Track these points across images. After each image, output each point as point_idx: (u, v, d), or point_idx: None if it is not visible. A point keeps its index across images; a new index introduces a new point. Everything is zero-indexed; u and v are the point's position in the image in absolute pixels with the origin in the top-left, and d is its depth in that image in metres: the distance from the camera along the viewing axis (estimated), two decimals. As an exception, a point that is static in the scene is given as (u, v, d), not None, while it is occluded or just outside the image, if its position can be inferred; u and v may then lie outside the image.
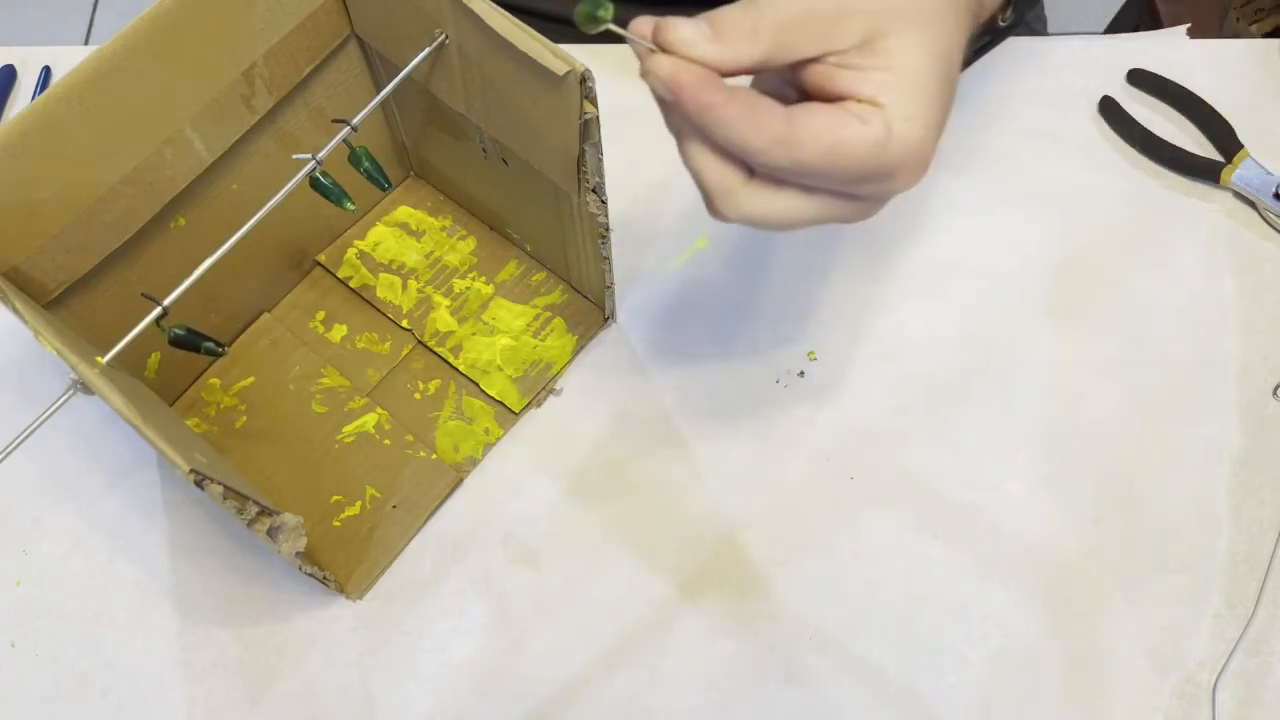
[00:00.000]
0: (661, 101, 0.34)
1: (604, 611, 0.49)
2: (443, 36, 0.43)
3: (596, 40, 0.66)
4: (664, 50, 0.32)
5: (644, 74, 0.32)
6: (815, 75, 0.33)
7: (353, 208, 0.43)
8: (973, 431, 0.52)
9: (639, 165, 0.59)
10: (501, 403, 0.53)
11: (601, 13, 0.33)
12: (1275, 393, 0.53)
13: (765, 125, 0.32)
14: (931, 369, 0.54)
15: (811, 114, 0.32)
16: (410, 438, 0.52)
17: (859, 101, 0.32)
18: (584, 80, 0.38)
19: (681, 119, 0.33)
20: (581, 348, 0.55)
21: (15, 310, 0.38)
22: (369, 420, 0.53)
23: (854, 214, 0.35)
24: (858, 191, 0.34)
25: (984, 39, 0.39)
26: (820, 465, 0.52)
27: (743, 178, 0.34)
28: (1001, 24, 0.41)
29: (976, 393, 0.53)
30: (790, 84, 0.35)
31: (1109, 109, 0.60)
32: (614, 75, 0.62)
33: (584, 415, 0.53)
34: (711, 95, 0.31)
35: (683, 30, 0.32)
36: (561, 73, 0.38)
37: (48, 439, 0.52)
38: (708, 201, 0.35)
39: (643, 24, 0.33)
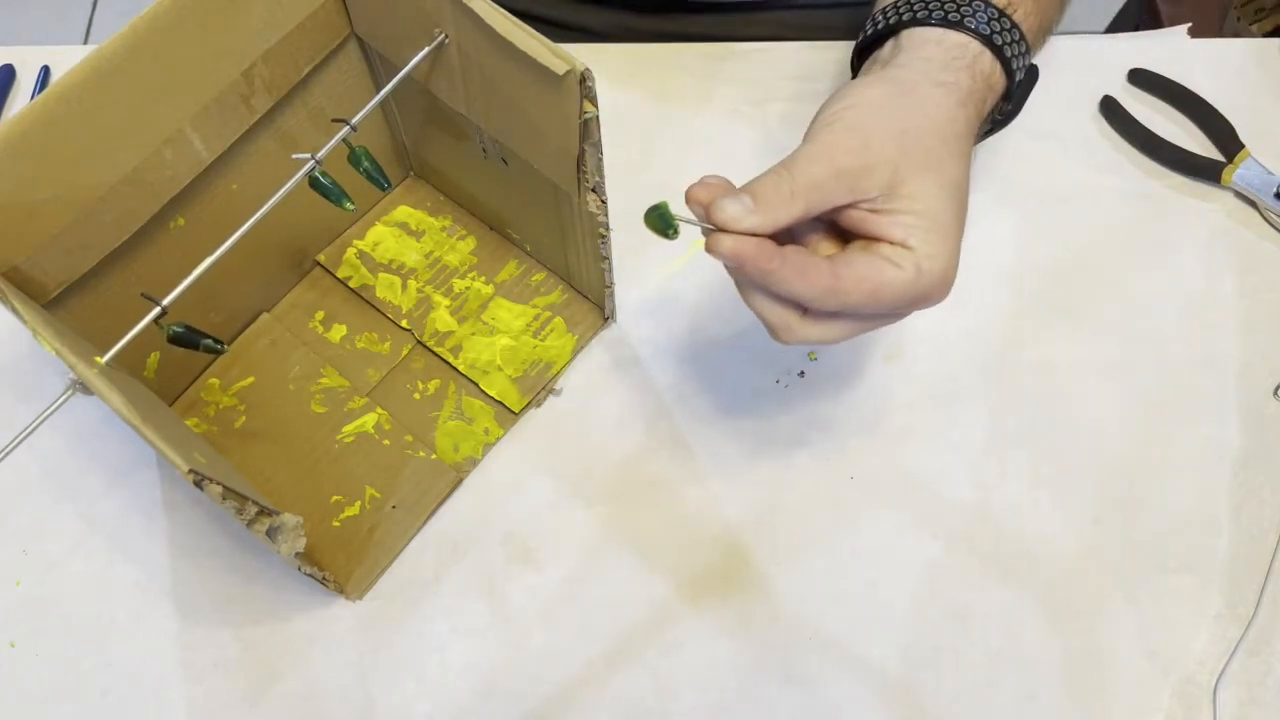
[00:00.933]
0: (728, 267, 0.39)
1: (604, 611, 0.49)
2: (442, 36, 0.43)
3: (596, 40, 0.66)
4: (719, 229, 0.37)
5: (709, 250, 0.37)
6: (850, 219, 0.39)
7: (352, 208, 0.43)
8: (973, 431, 0.52)
9: (639, 165, 0.59)
10: (501, 403, 0.53)
11: (671, 233, 0.39)
12: (1275, 393, 0.53)
13: (815, 280, 0.37)
14: (932, 369, 0.54)
15: (852, 265, 0.37)
16: (410, 438, 0.52)
17: (891, 244, 0.38)
18: (584, 80, 0.38)
19: (746, 278, 0.38)
20: (581, 348, 0.55)
21: (15, 310, 0.38)
22: (369, 420, 0.53)
23: (890, 323, 0.41)
24: (896, 316, 0.40)
25: (984, 130, 0.46)
26: (820, 465, 0.52)
27: (799, 314, 0.39)
28: (999, 117, 0.47)
29: (977, 393, 0.53)
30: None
31: (1110, 108, 0.60)
32: (614, 75, 0.62)
33: (584, 415, 0.53)
34: (768, 263, 0.36)
35: (729, 209, 0.37)
36: (561, 72, 0.38)
37: (48, 439, 0.52)
38: (771, 333, 0.40)
39: (706, 195, 0.38)
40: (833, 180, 0.38)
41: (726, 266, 0.38)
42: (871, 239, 0.38)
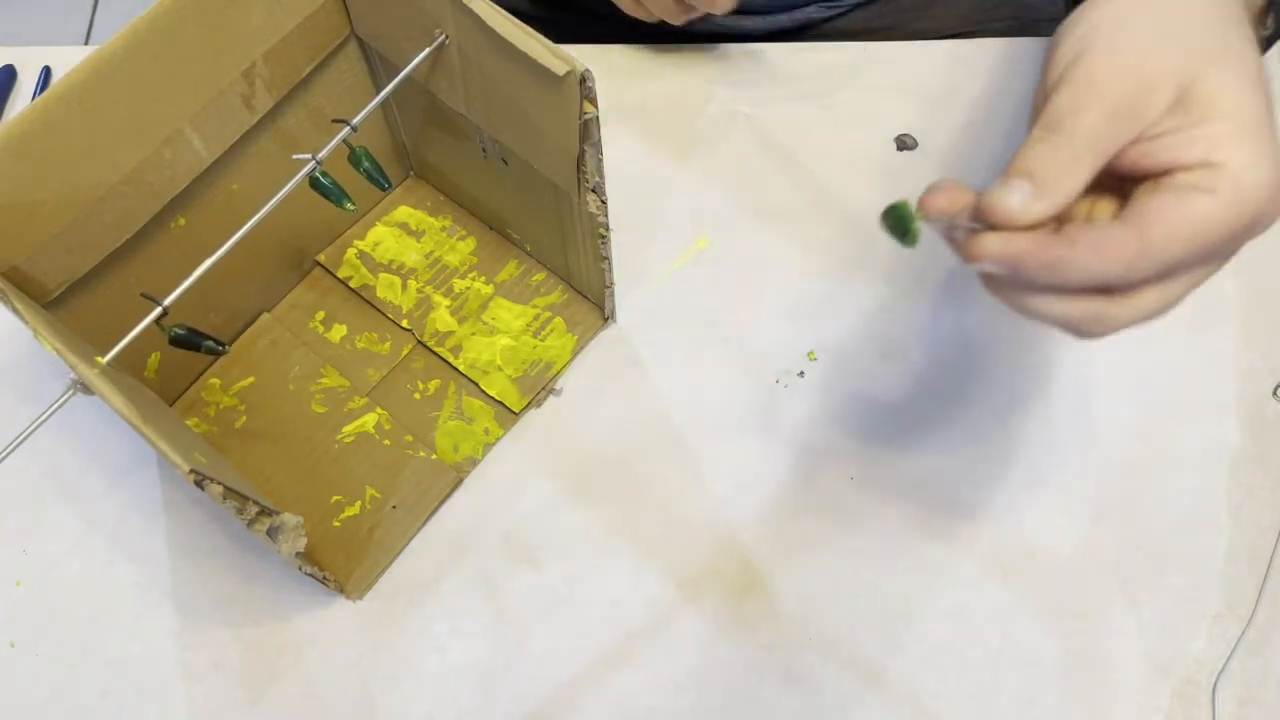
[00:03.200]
0: (988, 276, 0.32)
1: (604, 611, 0.49)
2: (443, 36, 0.43)
3: (596, 40, 0.66)
4: (992, 228, 0.31)
5: (972, 259, 0.31)
6: (1129, 158, 0.31)
7: (352, 208, 0.43)
8: (973, 431, 0.52)
9: (639, 165, 0.59)
10: (501, 403, 0.53)
11: (909, 240, 0.33)
12: (1275, 393, 0.53)
13: (1117, 251, 0.30)
14: (932, 369, 0.54)
15: (1154, 214, 0.30)
16: (410, 438, 0.52)
17: (1189, 170, 0.30)
18: (584, 80, 0.38)
19: (1024, 281, 0.32)
20: (581, 348, 0.55)
21: (15, 310, 0.38)
22: (369, 420, 0.53)
23: (1220, 267, 0.33)
24: (1223, 255, 0.32)
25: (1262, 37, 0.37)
26: (820, 465, 0.52)
27: (1104, 298, 0.32)
28: (1264, 32, 0.39)
29: (977, 393, 0.53)
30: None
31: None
32: (614, 75, 0.62)
33: (584, 415, 0.53)
34: (1055, 250, 0.30)
35: (1009, 201, 0.30)
36: (561, 73, 0.38)
37: (48, 439, 0.52)
38: (1075, 333, 0.33)
39: (947, 202, 0.31)
40: (1112, 121, 0.30)
41: (986, 277, 0.32)
42: (1161, 173, 0.31)
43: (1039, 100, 0.33)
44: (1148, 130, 0.31)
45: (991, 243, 0.30)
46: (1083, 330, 0.33)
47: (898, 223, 0.32)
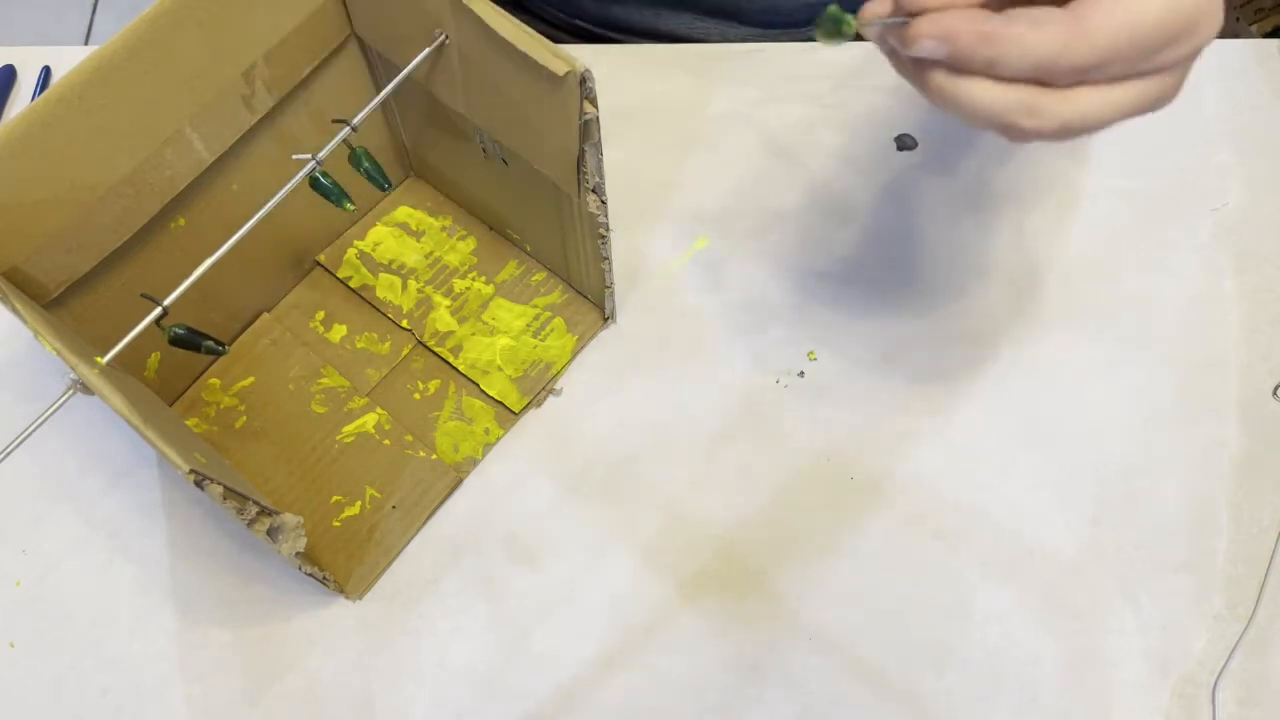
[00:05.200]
0: (923, 73, 0.32)
1: (604, 611, 0.49)
2: (443, 36, 0.43)
3: (596, 41, 0.66)
4: (916, 14, 0.31)
5: (909, 45, 0.31)
6: None
7: (352, 208, 0.43)
8: (973, 431, 0.52)
9: (639, 165, 0.59)
10: (501, 403, 0.53)
11: (845, 28, 0.33)
12: (1275, 393, 0.53)
13: (1053, 29, 0.30)
14: (931, 369, 0.54)
15: (1093, 1, 0.30)
16: (410, 438, 0.52)
17: None
18: (584, 80, 0.38)
19: (960, 64, 0.31)
20: (581, 348, 0.55)
21: (15, 310, 0.38)
22: (369, 420, 0.53)
23: (1162, 92, 0.33)
24: (1162, 62, 0.32)
25: None
26: (820, 465, 0.52)
27: (1039, 89, 0.31)
28: None
29: (977, 393, 0.53)
30: None
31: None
32: (614, 75, 0.62)
33: (584, 415, 0.53)
34: (988, 23, 0.30)
35: None
36: (561, 73, 0.38)
37: (48, 439, 0.52)
38: (1011, 129, 0.32)
39: (879, 5, 0.32)
40: None
41: (921, 73, 0.32)
42: None
43: None
44: None
45: (923, 23, 0.31)
46: (1016, 123, 0.32)
47: (831, 22, 0.33)
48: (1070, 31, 0.30)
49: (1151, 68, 0.32)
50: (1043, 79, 0.31)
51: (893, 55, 0.34)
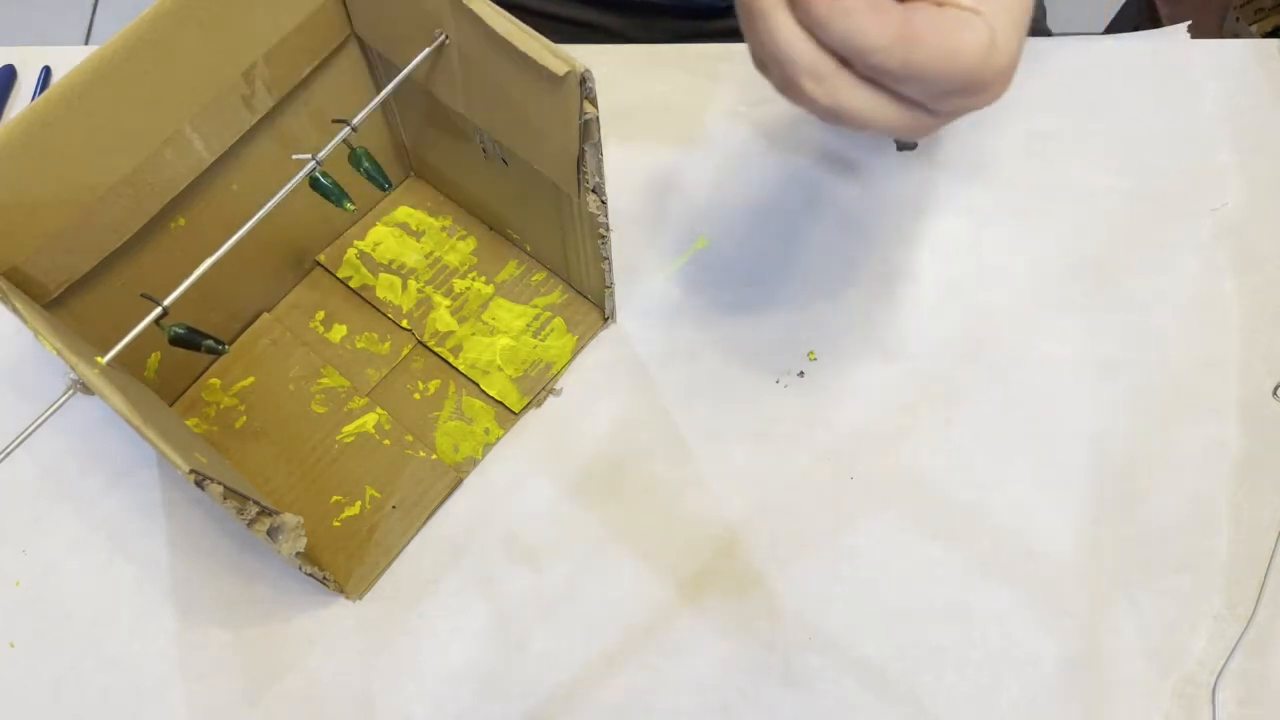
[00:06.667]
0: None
1: (604, 611, 0.49)
2: (443, 36, 0.43)
3: (596, 40, 0.66)
4: None
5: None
6: None
7: (353, 208, 0.43)
8: (973, 431, 0.52)
9: (639, 165, 0.59)
10: (501, 403, 0.53)
11: None
12: (1275, 393, 0.53)
13: (887, 21, 0.30)
14: (931, 368, 0.54)
15: (929, 14, 0.31)
16: (410, 438, 0.52)
17: (962, 9, 0.32)
18: (584, 80, 0.38)
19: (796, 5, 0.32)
20: (581, 348, 0.55)
21: (15, 310, 0.38)
22: (369, 420, 0.53)
23: (922, 129, 0.34)
24: (944, 105, 0.34)
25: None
26: (820, 465, 0.52)
27: (835, 65, 0.32)
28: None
29: (977, 393, 0.53)
30: None
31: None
32: (614, 75, 0.62)
33: (584, 415, 0.53)
34: None
35: None
36: (561, 73, 0.38)
37: (48, 439, 0.52)
38: (789, 82, 0.33)
39: None
40: None
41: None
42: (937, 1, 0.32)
43: None
44: None
45: None
46: (804, 82, 0.33)
47: None
48: (898, 34, 0.30)
49: (932, 104, 0.33)
50: (848, 58, 0.32)
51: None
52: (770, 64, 0.33)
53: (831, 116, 0.34)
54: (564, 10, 0.69)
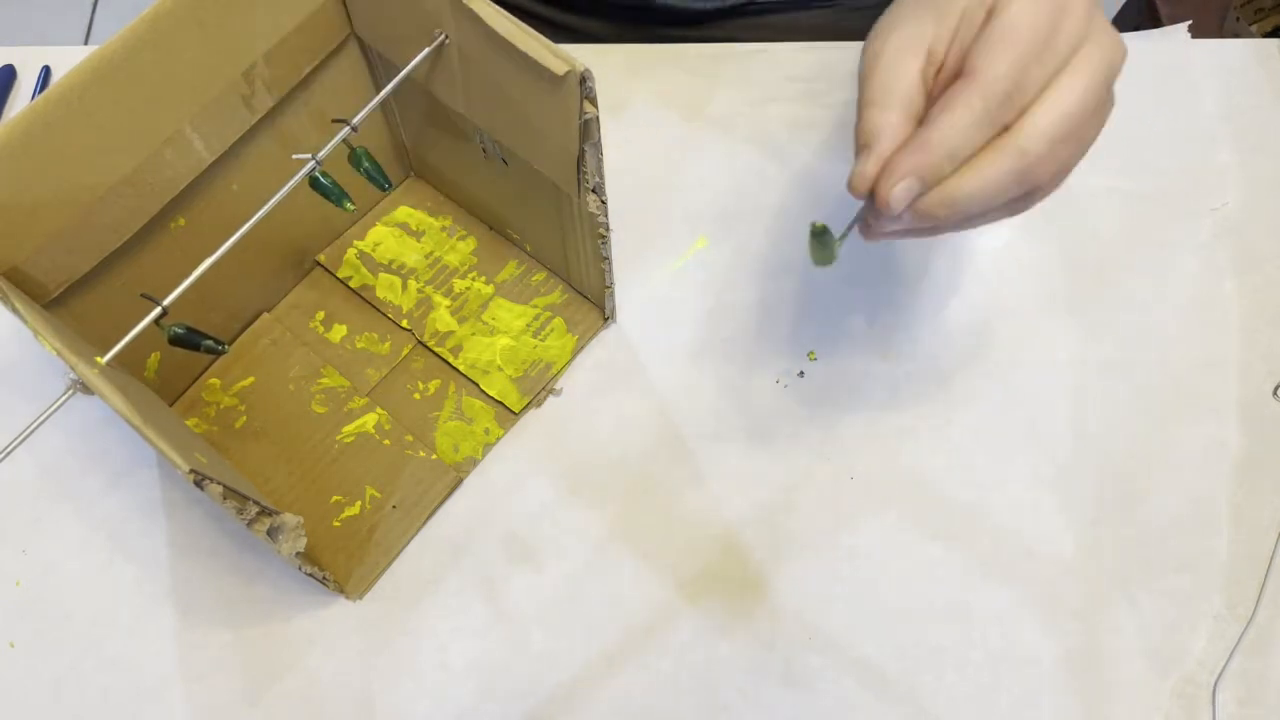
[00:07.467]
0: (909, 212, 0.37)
1: (604, 611, 0.49)
2: (443, 36, 0.43)
3: (597, 40, 0.66)
4: (879, 204, 0.36)
5: (889, 204, 0.35)
6: (957, 59, 0.37)
7: (352, 208, 0.43)
8: (973, 431, 0.52)
9: (639, 165, 0.59)
10: (501, 403, 0.53)
11: (836, 249, 0.39)
12: (1275, 393, 0.53)
13: (959, 98, 0.34)
14: (932, 369, 0.54)
15: (973, 56, 0.35)
16: (410, 438, 0.52)
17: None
18: (584, 80, 0.38)
19: (915, 173, 0.35)
20: (581, 348, 0.55)
21: (15, 310, 0.38)
22: (369, 420, 0.53)
23: (1023, 207, 0.38)
24: (1018, 207, 0.38)
25: None
26: (820, 465, 0.52)
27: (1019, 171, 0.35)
28: None
29: (977, 393, 0.53)
30: None
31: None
32: (614, 75, 0.62)
33: (584, 415, 0.53)
34: (914, 136, 0.35)
35: (866, 169, 0.36)
36: (561, 73, 0.38)
37: (48, 439, 0.52)
38: (1015, 203, 0.37)
39: (861, 183, 0.36)
40: (916, 84, 0.36)
41: (924, 210, 0.36)
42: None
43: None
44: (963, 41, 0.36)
45: (863, 175, 0.36)
46: (1015, 195, 0.36)
47: (821, 246, 0.39)
48: (972, 90, 0.34)
49: (1009, 209, 0.37)
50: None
51: (875, 226, 0.38)
52: (994, 210, 0.37)
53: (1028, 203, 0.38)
54: (558, 17, 0.69)
